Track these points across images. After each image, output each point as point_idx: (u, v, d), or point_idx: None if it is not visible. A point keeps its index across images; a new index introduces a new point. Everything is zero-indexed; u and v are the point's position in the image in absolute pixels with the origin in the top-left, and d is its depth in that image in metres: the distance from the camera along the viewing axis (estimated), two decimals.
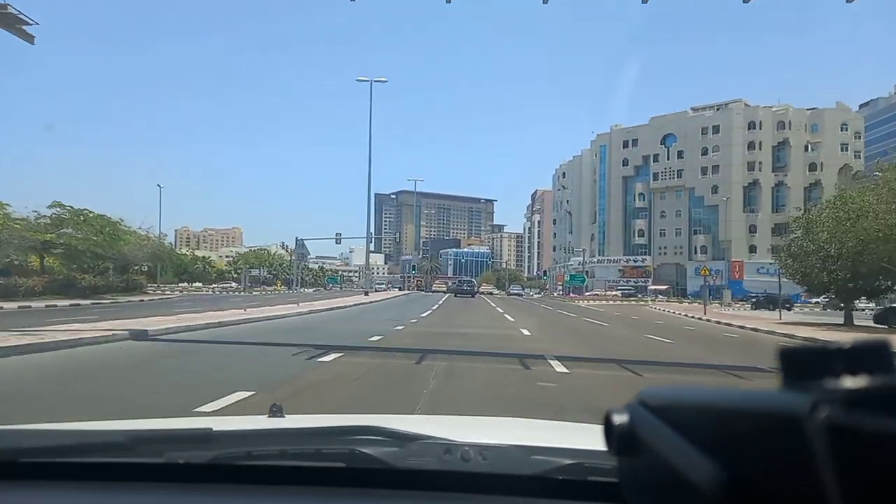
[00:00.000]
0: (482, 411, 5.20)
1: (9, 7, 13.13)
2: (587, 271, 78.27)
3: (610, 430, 0.60)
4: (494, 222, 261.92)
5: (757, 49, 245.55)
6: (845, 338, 0.43)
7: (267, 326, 15.42)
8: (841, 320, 26.96)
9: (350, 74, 54.71)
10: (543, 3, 13.45)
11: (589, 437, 1.28)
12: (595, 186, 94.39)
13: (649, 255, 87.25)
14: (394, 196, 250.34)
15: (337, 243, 53.40)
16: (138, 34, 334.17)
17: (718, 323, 25.39)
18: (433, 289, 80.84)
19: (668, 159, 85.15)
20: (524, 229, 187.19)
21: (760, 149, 79.38)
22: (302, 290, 69.23)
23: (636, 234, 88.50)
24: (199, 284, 79.25)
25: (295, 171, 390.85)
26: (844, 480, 0.35)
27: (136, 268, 41.55)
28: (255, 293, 54.91)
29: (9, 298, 26.23)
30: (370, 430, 1.20)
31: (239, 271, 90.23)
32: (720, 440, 0.47)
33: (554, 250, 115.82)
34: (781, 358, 0.43)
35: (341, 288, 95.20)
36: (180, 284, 71.18)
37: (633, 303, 57.82)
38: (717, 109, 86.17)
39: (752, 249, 78.56)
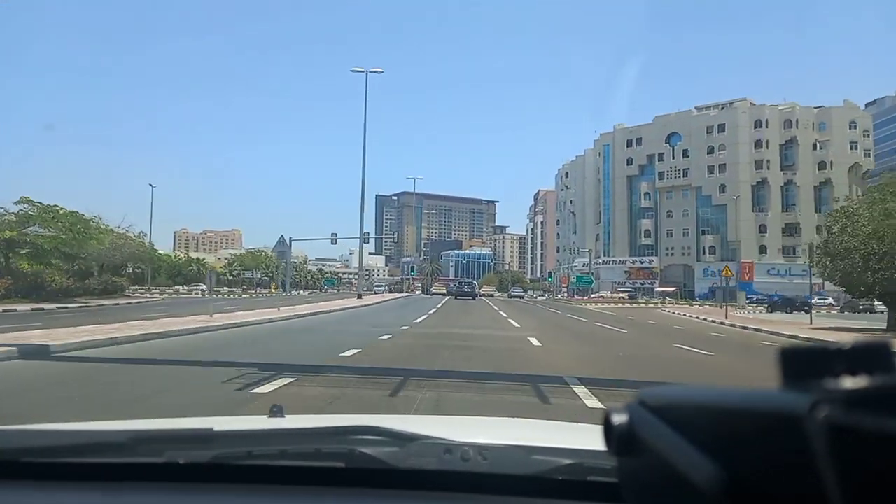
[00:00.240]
0: None
1: None
2: (592, 272, 75.67)
3: (609, 430, 0.59)
4: (496, 223, 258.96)
5: (759, 48, 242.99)
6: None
7: (223, 336, 12.89)
8: (875, 324, 24.57)
9: (350, 75, 52.54)
10: None
11: (589, 437, 1.26)
12: (599, 186, 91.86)
13: (656, 255, 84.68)
14: (395, 197, 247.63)
15: (333, 244, 51.34)
16: (138, 34, 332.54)
17: (745, 329, 22.91)
18: (432, 291, 78.07)
19: (673, 158, 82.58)
20: (527, 230, 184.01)
21: (768, 147, 76.86)
22: (297, 292, 66.91)
23: (642, 235, 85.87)
24: (203, 287, 76.34)
25: (295, 172, 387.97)
26: (844, 480, 0.35)
27: (124, 270, 39.33)
28: (245, 296, 52.53)
29: None
30: (370, 430, 1.20)
31: (235, 273, 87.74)
32: (720, 440, 0.46)
33: (558, 251, 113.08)
34: (781, 358, 0.42)
35: (338, 291, 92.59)
36: (174, 287, 68.53)
37: (643, 305, 55.29)
38: (722, 108, 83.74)
39: (763, 250, 76.11)
